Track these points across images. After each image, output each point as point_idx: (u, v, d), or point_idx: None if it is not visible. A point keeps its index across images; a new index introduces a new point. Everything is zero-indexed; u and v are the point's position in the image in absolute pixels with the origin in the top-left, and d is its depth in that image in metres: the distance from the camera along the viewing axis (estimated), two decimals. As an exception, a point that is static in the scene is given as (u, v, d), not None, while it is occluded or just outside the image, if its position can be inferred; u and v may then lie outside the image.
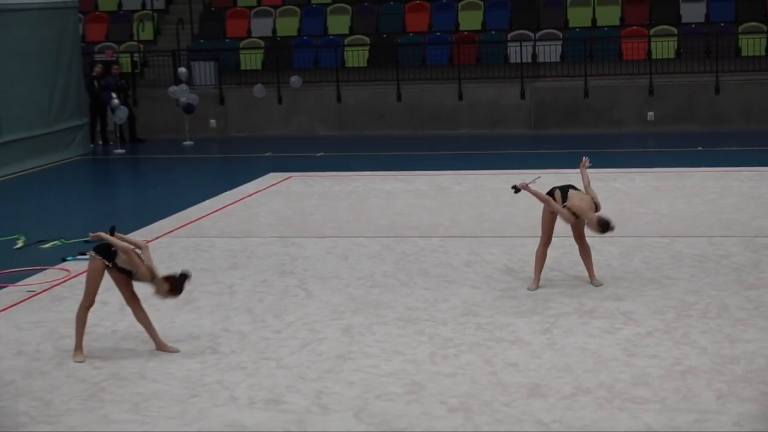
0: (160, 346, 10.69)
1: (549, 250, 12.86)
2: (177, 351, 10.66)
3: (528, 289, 12.50)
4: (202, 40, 29.08)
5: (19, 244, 15.79)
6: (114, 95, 25.68)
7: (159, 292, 10.37)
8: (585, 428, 8.57)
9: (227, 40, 28.96)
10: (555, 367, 9.92)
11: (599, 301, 11.99)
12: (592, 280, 12.69)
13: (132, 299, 10.65)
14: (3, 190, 21.02)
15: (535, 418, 8.79)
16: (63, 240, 15.81)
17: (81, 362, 10.49)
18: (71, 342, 11.05)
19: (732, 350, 10.25)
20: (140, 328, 10.86)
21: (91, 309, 10.58)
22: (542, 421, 8.71)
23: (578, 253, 12.85)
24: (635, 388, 9.35)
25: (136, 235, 15.88)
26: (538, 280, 12.63)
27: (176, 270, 10.74)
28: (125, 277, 10.46)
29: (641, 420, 8.68)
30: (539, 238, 12.67)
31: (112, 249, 10.39)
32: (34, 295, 12.98)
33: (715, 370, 9.74)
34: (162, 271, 10.65)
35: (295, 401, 9.32)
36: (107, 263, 10.41)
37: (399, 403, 9.20)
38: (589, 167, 12.98)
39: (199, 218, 17.06)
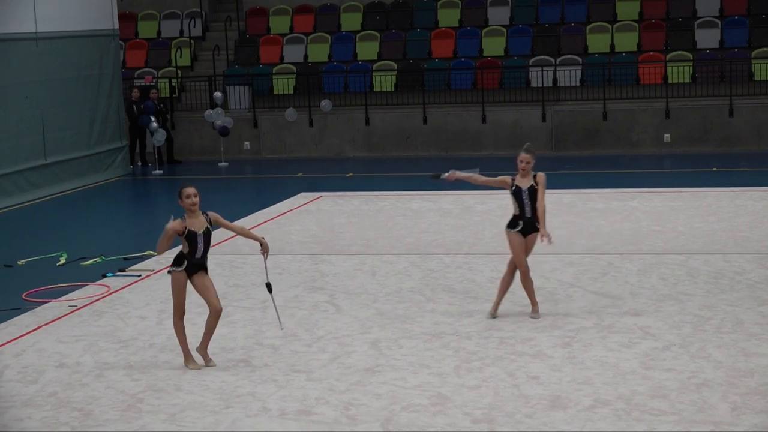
0: (202, 353, 10.68)
1: (568, 267, 12.75)
2: (214, 365, 10.65)
3: (487, 317, 12.00)
4: (237, 66, 29.16)
5: (62, 261, 15.84)
6: (152, 118, 25.80)
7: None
8: (604, 439, 8.52)
9: (261, 65, 29.03)
10: (575, 380, 9.86)
11: (618, 316, 11.92)
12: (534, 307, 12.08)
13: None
14: (47, 210, 21.10)
15: (556, 429, 8.73)
16: (103, 257, 15.85)
17: (194, 369, 10.55)
18: (110, 355, 11.08)
19: (746, 363, 10.17)
20: (176, 341, 10.85)
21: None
22: (563, 432, 8.66)
23: (508, 279, 12.09)
24: (653, 401, 9.28)
25: (174, 251, 15.93)
26: (497, 305, 12.01)
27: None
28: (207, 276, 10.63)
29: (658, 431, 8.62)
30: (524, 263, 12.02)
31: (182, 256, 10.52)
32: (76, 310, 13.00)
33: (730, 383, 9.66)
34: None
35: (325, 412, 9.29)
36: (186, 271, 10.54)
37: (425, 414, 9.16)
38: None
39: (232, 236, 17.05)
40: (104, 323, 12.36)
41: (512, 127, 26.42)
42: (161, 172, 25.63)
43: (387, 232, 17.09)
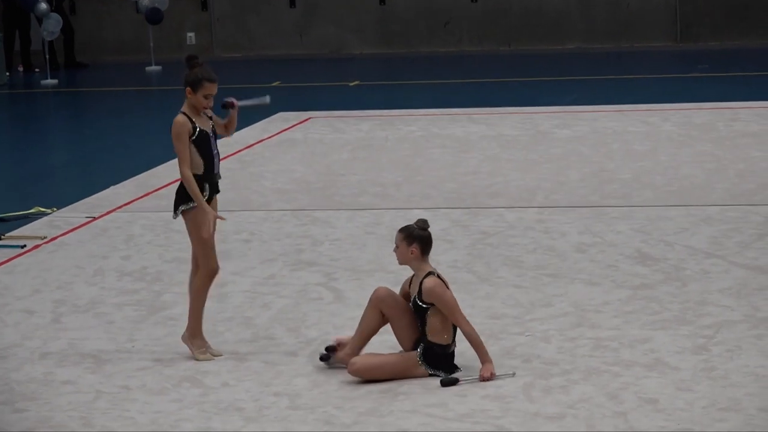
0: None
1: (702, 226, 12.67)
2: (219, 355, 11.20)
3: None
4: None
5: None
6: (41, -2, 25.83)
7: None
8: (762, 500, 8.55)
9: None
10: (715, 405, 9.86)
11: (782, 302, 11.94)
12: None
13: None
14: None
15: (687, 485, 8.78)
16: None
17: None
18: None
19: None
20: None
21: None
22: (697, 490, 8.70)
23: None
24: (839, 436, 9.31)
25: (78, 207, 16.00)
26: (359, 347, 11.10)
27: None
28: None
29: None
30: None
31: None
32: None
33: None
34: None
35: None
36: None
37: (477, 462, 9.21)
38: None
39: (170, 183, 17.08)
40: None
41: (614, 5, 26.32)
42: (55, 81, 25.64)
43: (415, 173, 17.09)
